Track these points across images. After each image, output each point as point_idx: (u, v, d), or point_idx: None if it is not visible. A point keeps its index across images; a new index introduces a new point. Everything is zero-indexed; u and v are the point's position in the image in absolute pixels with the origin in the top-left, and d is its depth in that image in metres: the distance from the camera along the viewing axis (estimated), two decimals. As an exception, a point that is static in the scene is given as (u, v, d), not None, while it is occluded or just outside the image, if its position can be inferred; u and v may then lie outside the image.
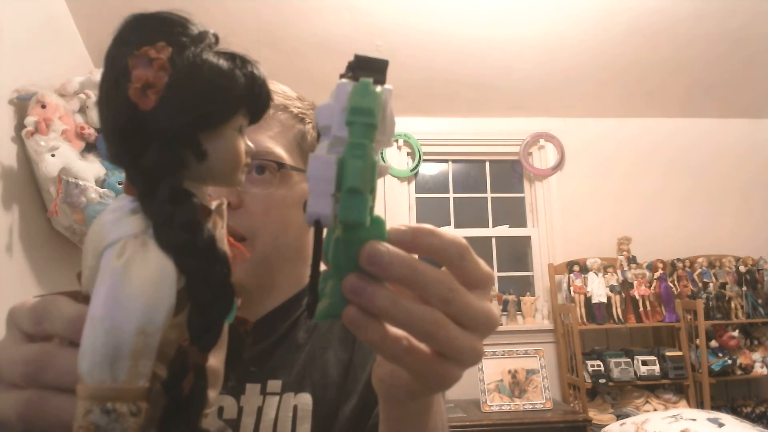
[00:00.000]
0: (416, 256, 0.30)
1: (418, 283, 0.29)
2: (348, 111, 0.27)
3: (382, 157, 2.99)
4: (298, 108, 0.69)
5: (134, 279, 0.25)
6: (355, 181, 0.25)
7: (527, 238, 3.25)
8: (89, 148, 1.88)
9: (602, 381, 2.72)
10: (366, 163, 0.26)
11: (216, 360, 0.30)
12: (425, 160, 3.19)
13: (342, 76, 0.29)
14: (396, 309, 0.28)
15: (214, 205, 0.31)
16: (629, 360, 2.78)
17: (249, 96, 0.29)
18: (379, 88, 0.28)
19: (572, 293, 2.92)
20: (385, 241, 0.28)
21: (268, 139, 0.64)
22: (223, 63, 0.28)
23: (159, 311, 0.26)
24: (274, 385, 0.63)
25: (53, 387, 0.28)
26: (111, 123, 0.27)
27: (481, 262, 0.32)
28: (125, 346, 0.25)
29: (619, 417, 2.62)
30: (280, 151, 0.65)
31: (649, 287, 2.94)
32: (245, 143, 0.31)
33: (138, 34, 0.27)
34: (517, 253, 3.29)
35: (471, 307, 0.30)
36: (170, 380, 0.26)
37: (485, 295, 0.32)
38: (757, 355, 2.91)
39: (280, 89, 0.69)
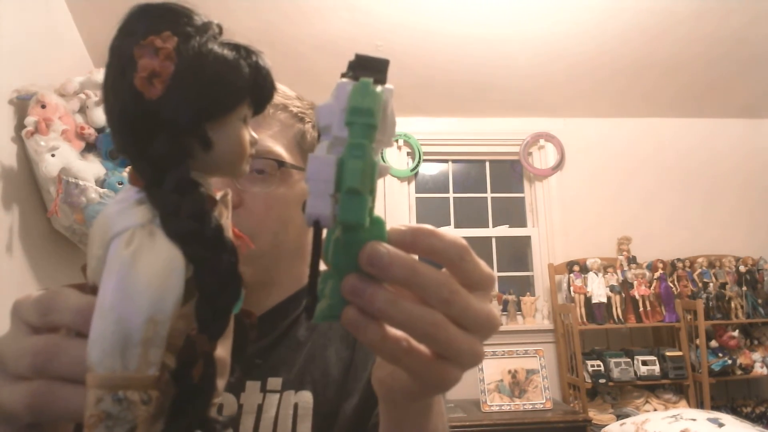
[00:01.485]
0: (416, 257, 0.30)
1: (419, 284, 0.28)
2: (348, 111, 0.27)
3: (383, 157, 3.01)
4: (298, 107, 0.70)
5: (143, 268, 0.25)
6: (355, 182, 0.25)
7: (527, 238, 3.25)
8: (89, 148, 1.88)
9: (602, 381, 2.72)
10: (366, 164, 0.26)
11: (223, 350, 0.30)
12: (425, 160, 3.20)
13: (343, 75, 0.29)
14: (395, 310, 0.28)
15: (219, 195, 0.31)
16: (629, 360, 2.78)
17: (254, 86, 0.29)
18: (379, 88, 0.28)
19: (572, 293, 2.92)
20: (385, 242, 0.28)
21: (268, 138, 0.64)
22: (228, 53, 0.28)
23: (168, 299, 0.26)
24: (275, 382, 0.63)
25: (61, 378, 0.28)
26: (117, 113, 0.27)
27: (482, 264, 0.32)
28: (135, 334, 0.25)
29: (619, 417, 2.62)
30: (280, 150, 0.65)
31: (649, 287, 2.94)
32: (249, 133, 0.31)
33: (143, 24, 0.27)
34: (517, 253, 3.29)
35: (472, 309, 0.30)
36: (179, 369, 0.27)
37: (486, 296, 0.32)
38: (757, 355, 2.91)
39: (279, 88, 0.69)
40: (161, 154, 0.27)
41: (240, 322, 0.33)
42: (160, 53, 0.26)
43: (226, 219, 0.31)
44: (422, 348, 0.30)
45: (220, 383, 0.29)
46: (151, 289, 0.25)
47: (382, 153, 0.30)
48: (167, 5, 0.28)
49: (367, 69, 0.29)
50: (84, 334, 0.26)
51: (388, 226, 0.30)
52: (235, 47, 0.29)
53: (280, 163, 0.64)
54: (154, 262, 0.26)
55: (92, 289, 0.27)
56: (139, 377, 0.25)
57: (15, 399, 0.28)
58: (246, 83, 0.29)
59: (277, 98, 0.67)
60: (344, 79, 0.29)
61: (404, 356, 0.29)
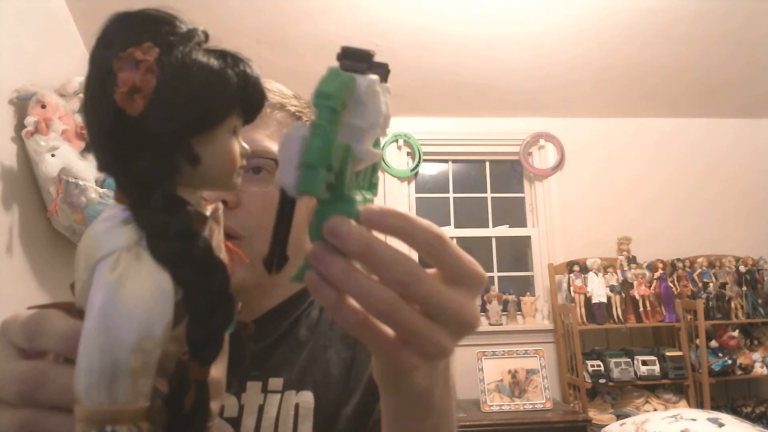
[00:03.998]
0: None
1: (373, 261, 0.29)
2: (314, 95, 0.29)
3: (382, 147, 3.01)
4: (295, 107, 0.69)
5: (129, 294, 0.24)
6: (311, 157, 0.27)
7: (527, 238, 3.24)
8: (89, 148, 1.88)
9: (602, 381, 2.72)
10: (323, 142, 0.28)
11: (217, 370, 0.29)
12: (425, 160, 3.19)
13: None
14: (348, 280, 0.29)
15: (209, 210, 0.30)
16: (629, 360, 2.78)
17: (242, 96, 0.28)
18: (351, 76, 0.29)
19: (572, 293, 2.92)
20: (355, 220, 0.30)
21: (265, 138, 0.64)
22: (213, 62, 0.27)
23: (156, 327, 0.25)
24: (276, 383, 0.63)
25: (49, 406, 0.27)
26: (98, 130, 0.26)
27: (465, 259, 0.31)
28: (122, 364, 0.24)
29: (619, 417, 2.62)
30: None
31: (649, 287, 2.93)
32: (240, 145, 0.30)
33: (123, 35, 0.26)
34: (517, 253, 3.29)
35: (435, 296, 0.30)
36: (171, 397, 0.26)
37: (471, 294, 0.32)
38: (757, 355, 2.91)
39: (276, 88, 0.68)
40: (145, 173, 0.26)
41: (236, 336, 0.32)
42: (140, 66, 0.25)
43: (218, 235, 0.30)
44: (385, 328, 0.31)
45: (215, 406, 0.28)
46: (138, 317, 0.24)
47: (377, 142, 0.32)
48: (148, 13, 0.27)
49: (352, 59, 0.31)
50: (72, 359, 0.25)
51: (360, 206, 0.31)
52: (222, 55, 0.27)
53: (278, 163, 0.64)
54: (140, 288, 0.25)
55: (80, 312, 0.26)
56: (128, 410, 0.24)
57: (2, 427, 0.27)
58: (234, 93, 0.27)
59: (275, 97, 0.67)
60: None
61: (359, 328, 0.30)
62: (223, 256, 0.30)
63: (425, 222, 0.31)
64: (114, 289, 0.24)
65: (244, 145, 0.31)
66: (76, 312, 0.28)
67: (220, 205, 0.32)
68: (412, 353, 0.31)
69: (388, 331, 0.30)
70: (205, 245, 0.27)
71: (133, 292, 0.24)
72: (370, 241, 0.29)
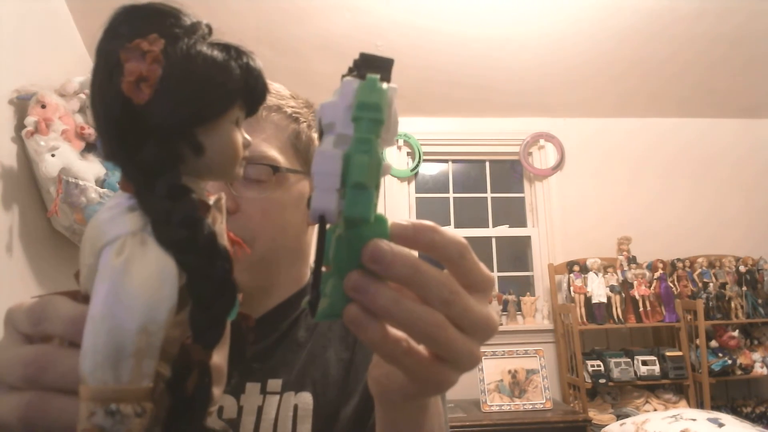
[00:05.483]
0: (416, 254, 0.30)
1: (420, 283, 0.28)
2: (355, 106, 0.27)
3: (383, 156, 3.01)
4: (292, 107, 0.69)
5: (134, 277, 0.25)
6: (362, 176, 0.25)
7: (527, 238, 3.25)
8: (89, 148, 1.88)
9: (602, 381, 2.72)
10: (372, 159, 0.26)
11: (219, 357, 0.29)
12: (425, 160, 3.19)
13: (346, 75, 0.29)
14: (398, 308, 0.28)
15: (212, 200, 0.30)
16: (629, 360, 2.78)
17: (245, 88, 0.29)
18: (385, 86, 0.28)
19: (572, 293, 2.92)
20: (388, 240, 0.28)
21: (262, 142, 0.63)
22: (217, 54, 0.27)
23: (161, 309, 0.25)
24: (275, 384, 0.63)
25: (54, 388, 0.27)
26: (104, 118, 0.27)
27: (482, 266, 0.31)
28: (127, 345, 0.24)
29: (619, 417, 2.62)
30: (275, 154, 0.64)
31: (649, 287, 2.93)
32: (242, 136, 0.30)
33: (129, 26, 0.27)
34: (517, 253, 3.29)
35: (471, 311, 0.30)
36: (174, 379, 0.26)
37: (485, 299, 0.32)
38: (757, 355, 2.91)
39: (273, 88, 0.68)
40: (151, 160, 0.26)
41: (237, 326, 0.32)
42: (147, 56, 0.25)
43: (220, 224, 0.31)
44: (421, 349, 0.30)
45: (217, 391, 0.29)
46: (143, 299, 0.25)
47: (382, 152, 0.30)
48: (154, 6, 0.27)
49: (373, 68, 0.28)
50: (77, 343, 0.25)
51: (389, 222, 0.29)
52: (225, 48, 0.28)
53: (275, 169, 0.63)
54: (145, 271, 0.25)
55: (85, 298, 0.27)
56: (132, 389, 0.24)
57: (7, 410, 0.28)
58: (237, 85, 0.28)
59: (271, 99, 0.66)
60: (349, 77, 0.28)
61: (403, 357, 0.29)
62: (226, 244, 0.30)
63: (452, 233, 0.30)
64: (120, 272, 0.25)
65: (246, 136, 0.31)
66: (81, 298, 0.28)
67: (223, 195, 0.32)
68: (451, 370, 0.30)
69: (424, 351, 0.30)
70: (208, 232, 0.27)
71: (138, 276, 0.25)
72: (416, 264, 0.28)
